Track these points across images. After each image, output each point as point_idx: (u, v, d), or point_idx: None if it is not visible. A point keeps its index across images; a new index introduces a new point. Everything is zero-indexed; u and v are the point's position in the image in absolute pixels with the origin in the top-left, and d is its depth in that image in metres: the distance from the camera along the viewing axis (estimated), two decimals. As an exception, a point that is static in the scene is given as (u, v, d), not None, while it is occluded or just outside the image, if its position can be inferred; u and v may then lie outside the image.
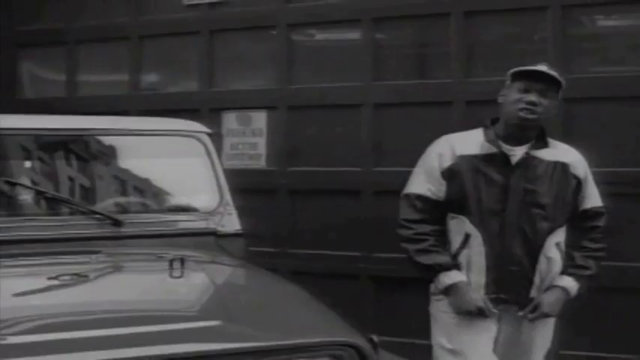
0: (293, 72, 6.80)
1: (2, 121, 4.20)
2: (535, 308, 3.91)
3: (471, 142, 3.97)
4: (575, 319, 4.84)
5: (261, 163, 6.93)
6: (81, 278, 3.22)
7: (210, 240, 4.13)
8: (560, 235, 3.92)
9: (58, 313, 2.76)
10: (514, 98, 3.88)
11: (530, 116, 3.84)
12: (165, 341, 2.47)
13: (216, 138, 4.86)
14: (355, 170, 6.44)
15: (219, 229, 4.19)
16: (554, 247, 3.88)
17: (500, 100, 3.98)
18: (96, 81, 7.89)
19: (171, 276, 3.22)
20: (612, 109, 5.70)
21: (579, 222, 3.98)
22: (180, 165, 4.45)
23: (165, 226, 4.10)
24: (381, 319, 6.20)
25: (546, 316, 3.93)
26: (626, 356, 5.54)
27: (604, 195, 4.07)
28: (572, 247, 3.98)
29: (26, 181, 4.11)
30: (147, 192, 4.45)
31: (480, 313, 3.82)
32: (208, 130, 4.53)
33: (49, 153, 4.36)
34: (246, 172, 6.78)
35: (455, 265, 3.87)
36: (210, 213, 4.23)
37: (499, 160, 3.88)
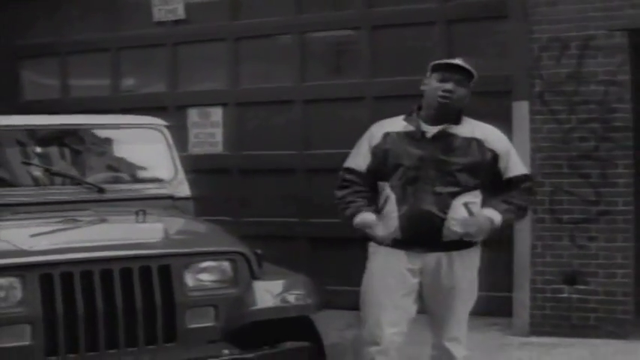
0: (240, 75, 8.04)
1: (17, 119, 5.70)
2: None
3: (396, 123, 4.32)
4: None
5: (219, 149, 8.14)
6: (76, 223, 4.76)
7: (169, 202, 5.40)
8: (468, 197, 4.16)
9: (62, 240, 4.33)
10: (434, 86, 4.19)
11: (447, 101, 4.16)
12: (124, 249, 4.08)
13: (173, 129, 5.94)
14: (290, 153, 7.71)
15: (175, 194, 5.48)
16: (461, 206, 4.14)
17: (422, 87, 4.28)
18: (83, 85, 9.00)
19: (135, 221, 4.65)
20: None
21: (507, 189, 4.25)
22: (145, 149, 5.77)
23: (136, 193, 5.40)
24: (315, 271, 7.58)
25: (468, 236, 4.12)
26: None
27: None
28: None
29: (36, 162, 5.48)
30: (121, 168, 5.78)
31: (388, 242, 4.16)
32: (166, 124, 5.81)
33: (49, 142, 5.68)
34: (207, 157, 8.04)
35: (368, 210, 4.21)
36: (168, 183, 5.53)
37: (417, 136, 4.21)
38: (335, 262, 7.43)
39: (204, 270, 4.17)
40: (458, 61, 4.28)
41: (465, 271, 4.25)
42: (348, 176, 4.34)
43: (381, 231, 4.18)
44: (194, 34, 8.21)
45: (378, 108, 6.92)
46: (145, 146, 5.81)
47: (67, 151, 5.78)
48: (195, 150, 8.20)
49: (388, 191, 4.20)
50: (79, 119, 6.03)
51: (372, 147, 4.31)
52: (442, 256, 4.18)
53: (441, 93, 4.17)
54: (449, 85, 4.17)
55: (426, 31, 7.25)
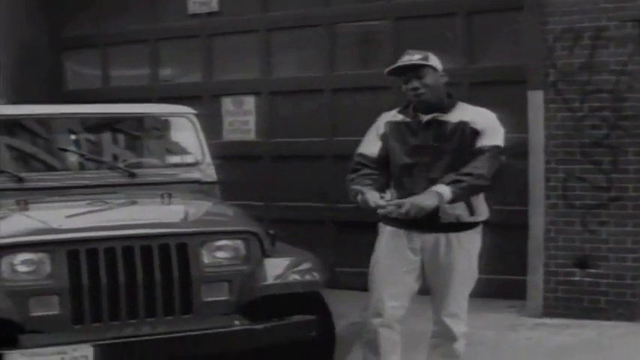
0: (272, 65, 8.32)
1: (56, 108, 6.07)
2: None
3: (394, 115, 4.50)
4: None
5: (251, 136, 8.44)
6: (105, 205, 5.14)
7: (196, 186, 5.74)
8: None
9: (89, 219, 4.71)
10: (403, 89, 4.40)
11: (420, 98, 4.31)
12: (145, 228, 4.44)
13: (202, 118, 6.23)
14: (319, 140, 7.97)
15: (202, 179, 5.80)
16: None
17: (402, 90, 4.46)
18: (123, 75, 9.37)
19: (160, 203, 5.02)
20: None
21: (473, 159, 4.25)
22: (175, 136, 6.22)
23: (165, 177, 5.74)
24: (341, 254, 7.78)
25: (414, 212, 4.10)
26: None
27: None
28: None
29: (72, 148, 5.86)
30: (152, 154, 6.17)
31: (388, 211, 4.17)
32: (195, 112, 6.11)
33: (85, 129, 6.09)
34: (240, 143, 8.38)
35: (370, 189, 4.25)
36: (196, 168, 5.84)
37: (411, 124, 4.39)
38: (361, 246, 7.59)
39: (220, 248, 4.50)
40: (405, 60, 4.35)
41: (463, 252, 4.40)
42: (359, 159, 4.50)
43: (374, 202, 4.20)
44: (227, 26, 8.50)
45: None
46: (175, 133, 6.21)
47: (101, 137, 6.15)
48: (229, 137, 8.52)
49: (391, 174, 4.43)
50: (112, 108, 6.41)
51: (380, 135, 4.49)
52: (440, 237, 4.36)
53: (410, 93, 4.33)
54: (413, 84, 4.29)
55: (447, 22, 7.46)
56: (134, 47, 9.16)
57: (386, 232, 4.53)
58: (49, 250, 4.20)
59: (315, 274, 4.65)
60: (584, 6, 6.27)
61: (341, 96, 8.02)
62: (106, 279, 4.23)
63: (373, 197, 4.20)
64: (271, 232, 4.71)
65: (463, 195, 4.22)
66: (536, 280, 6.50)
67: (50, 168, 5.80)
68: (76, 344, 4.02)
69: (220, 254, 4.50)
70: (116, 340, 4.12)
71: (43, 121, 5.92)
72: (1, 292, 4.06)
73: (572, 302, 6.36)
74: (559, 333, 6.03)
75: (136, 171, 5.70)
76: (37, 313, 4.15)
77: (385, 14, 7.76)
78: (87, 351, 4.01)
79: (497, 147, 4.30)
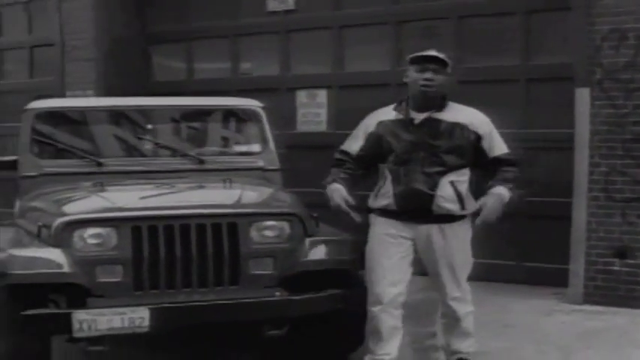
0: (343, 60, 8.77)
1: (135, 100, 6.67)
2: (478, 213, 4.56)
3: (388, 112, 4.82)
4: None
5: (323, 127, 8.92)
6: (172, 188, 5.70)
7: (259, 173, 6.20)
8: (454, 176, 4.64)
9: (153, 200, 5.29)
10: (414, 77, 4.64)
11: (428, 89, 4.60)
12: (200, 208, 4.98)
13: (273, 110, 6.70)
14: None
15: (265, 166, 6.26)
16: (448, 184, 4.63)
17: (405, 80, 4.76)
18: (206, 68, 9.92)
19: (222, 187, 5.56)
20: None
21: (494, 167, 4.68)
22: (242, 127, 6.69)
23: (231, 164, 6.18)
24: None
25: (487, 219, 4.52)
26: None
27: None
28: (489, 178, 4.70)
29: (148, 137, 6.39)
30: (221, 143, 6.69)
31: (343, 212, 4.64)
32: (262, 105, 6.55)
33: (160, 120, 6.61)
34: (313, 134, 8.89)
35: (339, 180, 4.76)
36: (260, 156, 6.30)
37: (406, 122, 4.69)
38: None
39: (266, 228, 4.98)
40: (432, 52, 4.69)
41: (456, 241, 4.71)
42: (340, 156, 4.94)
43: (335, 199, 4.70)
44: (303, 23, 8.96)
45: (464, 91, 7.22)
46: (243, 124, 6.68)
47: (175, 127, 6.69)
48: (302, 128, 9.04)
49: (386, 172, 4.74)
50: (187, 101, 7.00)
51: (367, 134, 4.82)
52: (433, 227, 4.69)
53: (422, 82, 4.61)
54: (428, 74, 4.60)
55: (506, 20, 7.80)
56: (216, 42, 9.70)
57: (378, 222, 4.86)
58: (115, 226, 4.76)
59: (349, 253, 5.06)
60: (630, 7, 6.57)
61: (405, 90, 8.32)
62: (164, 252, 4.75)
63: (339, 198, 4.68)
64: (315, 214, 5.19)
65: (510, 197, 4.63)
66: (577, 268, 6.83)
67: (127, 154, 6.35)
68: (134, 307, 4.60)
69: (267, 233, 4.97)
70: (169, 305, 4.68)
71: (123, 112, 6.47)
72: (72, 261, 4.67)
73: (609, 290, 6.68)
74: (592, 319, 6.36)
75: (205, 158, 6.18)
76: (103, 279, 4.71)
77: (449, 13, 8.10)
78: (143, 313, 4.57)
79: (509, 154, 4.73)
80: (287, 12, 9.09)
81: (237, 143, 6.72)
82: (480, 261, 5.01)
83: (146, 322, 4.58)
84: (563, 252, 6.94)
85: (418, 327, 5.12)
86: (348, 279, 5.05)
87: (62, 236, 4.71)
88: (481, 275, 5.00)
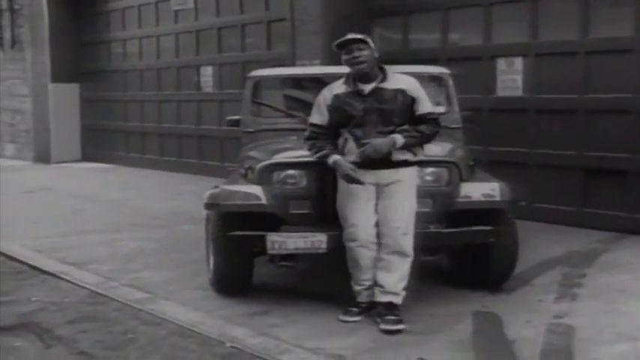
0: (537, 30, 9.34)
1: (337, 69, 7.51)
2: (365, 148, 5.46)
3: (340, 86, 5.69)
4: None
5: (519, 93, 9.56)
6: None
7: (443, 130, 7.03)
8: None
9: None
10: (345, 59, 5.59)
11: (360, 65, 5.53)
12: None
13: (454, 77, 7.40)
14: (573, 97, 8.94)
15: (448, 125, 6.90)
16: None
17: (343, 64, 5.66)
18: (419, 39, 10.82)
19: None
20: None
21: (418, 123, 5.63)
22: (431, 91, 7.25)
23: None
24: (587, 196, 8.85)
25: (372, 153, 5.44)
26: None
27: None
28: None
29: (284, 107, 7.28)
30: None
31: (353, 180, 5.48)
32: (449, 72, 7.38)
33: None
34: (510, 99, 9.60)
35: (334, 152, 5.58)
36: (445, 117, 6.89)
37: (357, 93, 5.60)
38: (609, 191, 8.76)
39: (428, 173, 5.95)
40: (350, 35, 5.57)
41: (408, 183, 5.63)
42: (313, 129, 5.75)
43: (349, 169, 5.51)
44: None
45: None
46: (432, 89, 7.20)
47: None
48: (501, 93, 9.73)
49: (347, 135, 5.60)
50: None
51: (327, 106, 5.68)
52: (392, 172, 5.59)
53: (352, 61, 5.55)
54: (354, 53, 5.53)
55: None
56: (428, 15, 10.52)
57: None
58: (304, 169, 5.92)
59: (498, 195, 5.93)
60: None
61: (593, 58, 8.85)
62: (341, 192, 5.87)
63: (345, 164, 5.50)
64: (471, 162, 6.10)
65: (410, 145, 5.55)
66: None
67: (291, 115, 7.11)
68: (315, 232, 5.77)
69: (428, 177, 5.94)
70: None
71: (324, 78, 7.13)
72: (270, 195, 5.89)
73: None
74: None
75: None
76: (296, 211, 5.89)
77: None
78: (322, 237, 5.73)
79: (432, 113, 5.69)
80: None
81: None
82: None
83: (324, 245, 5.74)
84: None
85: None
86: (499, 217, 5.96)
87: (263, 176, 5.93)
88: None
